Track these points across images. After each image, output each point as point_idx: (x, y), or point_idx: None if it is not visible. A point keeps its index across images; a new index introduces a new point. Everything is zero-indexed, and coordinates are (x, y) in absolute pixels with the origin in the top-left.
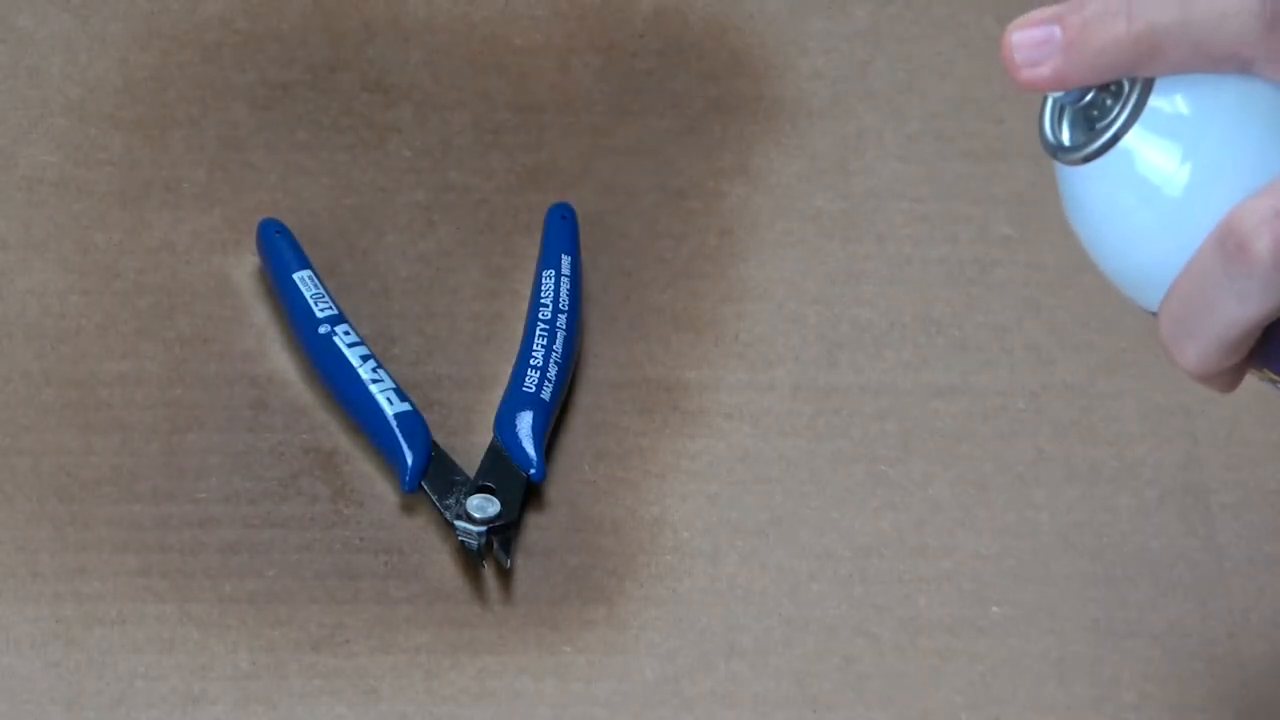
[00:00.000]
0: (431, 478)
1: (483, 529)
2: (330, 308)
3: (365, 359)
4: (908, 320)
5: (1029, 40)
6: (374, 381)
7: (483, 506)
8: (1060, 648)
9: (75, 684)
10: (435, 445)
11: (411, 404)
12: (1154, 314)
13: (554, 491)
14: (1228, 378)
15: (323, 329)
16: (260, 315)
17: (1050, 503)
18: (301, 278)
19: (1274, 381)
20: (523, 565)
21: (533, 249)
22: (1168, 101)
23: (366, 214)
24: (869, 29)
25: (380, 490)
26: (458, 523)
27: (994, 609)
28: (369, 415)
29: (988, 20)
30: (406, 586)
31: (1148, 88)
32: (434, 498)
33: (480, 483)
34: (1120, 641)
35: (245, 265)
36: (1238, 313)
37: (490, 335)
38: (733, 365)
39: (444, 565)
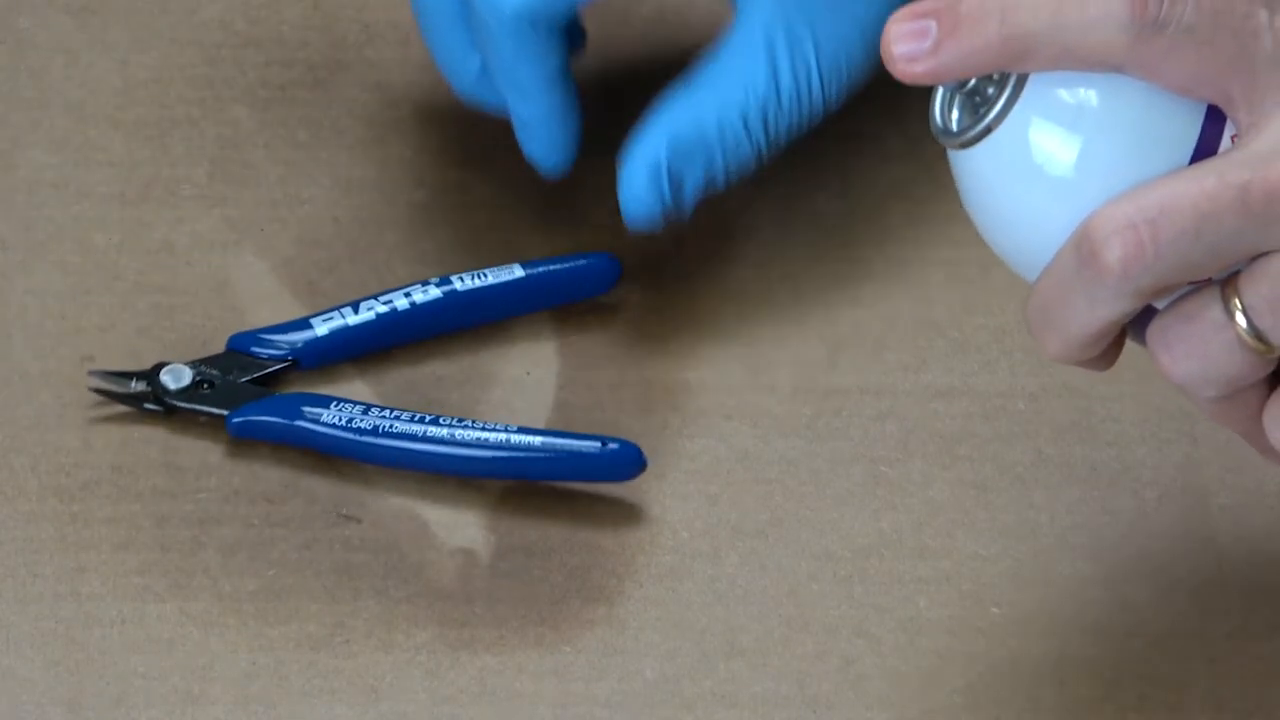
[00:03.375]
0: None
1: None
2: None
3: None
4: (907, 321)
5: (906, 33)
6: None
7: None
8: (1060, 648)
9: (75, 684)
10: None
11: None
12: None
13: (554, 491)
14: (1094, 363)
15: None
16: (260, 315)
17: (1050, 504)
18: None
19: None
20: (523, 565)
21: (532, 249)
22: (1043, 94)
23: (366, 214)
24: None
25: (380, 490)
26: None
27: (993, 610)
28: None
29: None
30: (406, 586)
31: (1023, 79)
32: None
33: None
34: (1120, 642)
35: (245, 265)
36: (1090, 315)
37: (490, 335)
38: (733, 365)
39: (444, 565)
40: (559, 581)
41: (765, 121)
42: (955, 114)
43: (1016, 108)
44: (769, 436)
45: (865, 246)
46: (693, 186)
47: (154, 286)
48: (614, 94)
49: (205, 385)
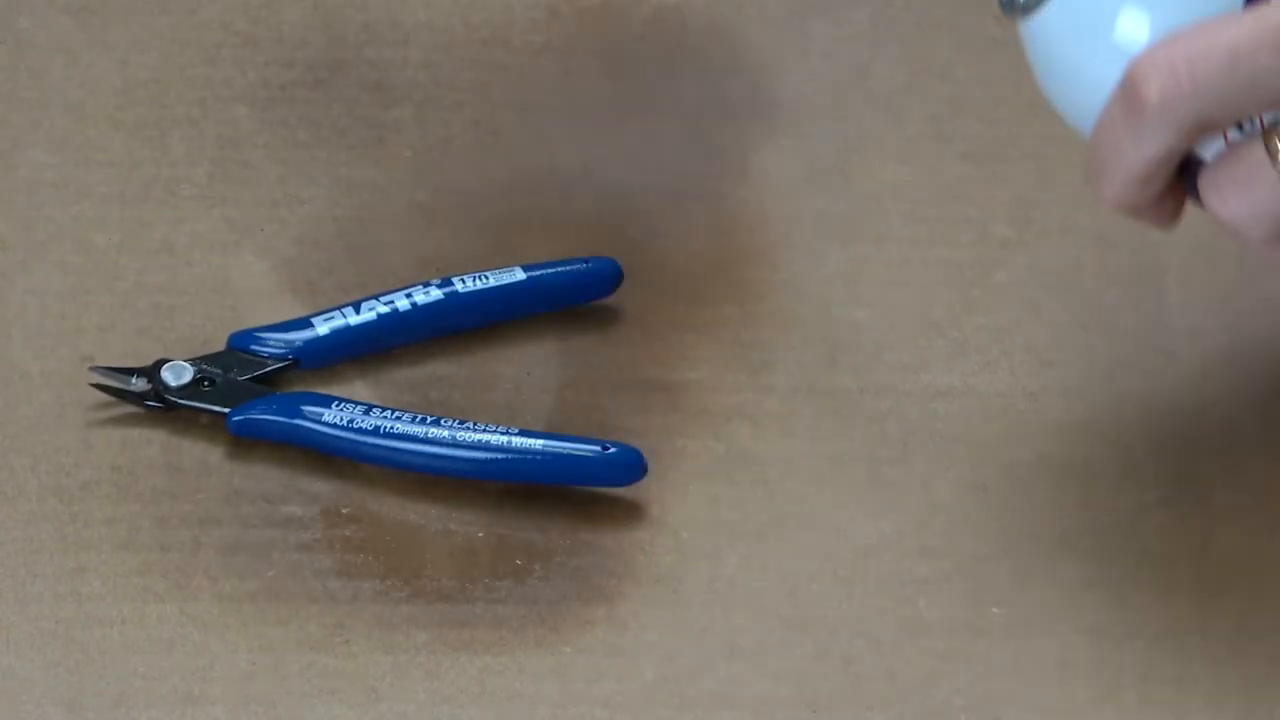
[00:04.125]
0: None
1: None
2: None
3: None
4: (907, 322)
5: None
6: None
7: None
8: (1060, 649)
9: (75, 684)
10: None
11: None
12: None
13: (554, 492)
14: (1156, 211)
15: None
16: (260, 315)
17: (1050, 504)
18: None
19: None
20: (523, 565)
21: (533, 250)
22: None
23: (366, 214)
24: (868, 31)
25: (381, 490)
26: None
27: (994, 610)
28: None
29: (988, 22)
30: (406, 586)
31: None
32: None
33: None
34: (1120, 643)
35: (245, 265)
36: (1136, 153)
37: (490, 336)
38: (733, 366)
39: (444, 565)
40: (559, 581)
41: None
42: None
43: None
44: (769, 437)
45: (865, 246)
46: None
47: (154, 286)
48: (614, 93)
49: (206, 383)
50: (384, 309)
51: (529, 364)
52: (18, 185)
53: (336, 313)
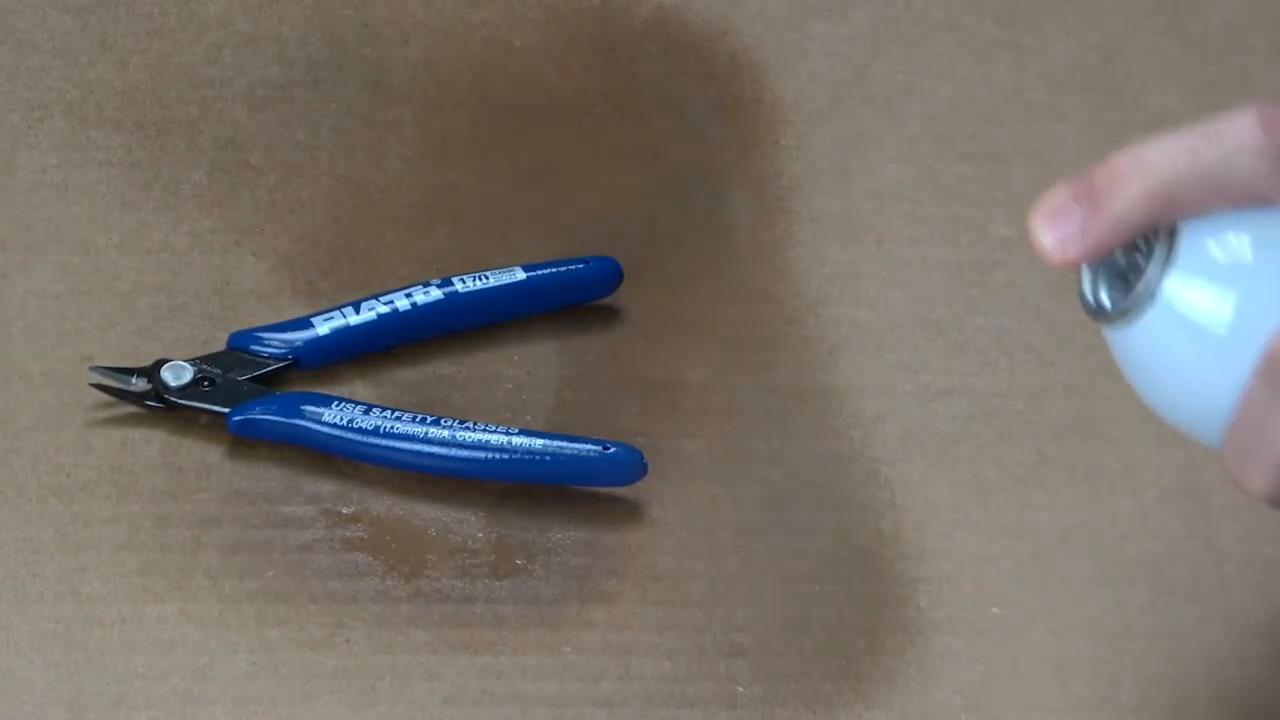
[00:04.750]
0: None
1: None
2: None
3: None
4: (907, 322)
5: (1050, 223)
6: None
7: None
8: (1060, 649)
9: (75, 684)
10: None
11: None
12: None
13: (554, 491)
14: None
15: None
16: (260, 315)
17: (1050, 504)
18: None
19: None
20: (523, 565)
21: (533, 250)
22: (1196, 246)
23: (366, 214)
24: (868, 31)
25: (381, 490)
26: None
27: (994, 610)
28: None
29: (987, 23)
30: (406, 586)
31: (1172, 236)
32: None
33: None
34: (1120, 642)
35: (245, 265)
36: None
37: (491, 336)
38: (733, 365)
39: (444, 565)
40: (559, 581)
41: None
42: (1105, 293)
43: (1172, 272)
44: (769, 436)
45: (865, 246)
46: None
47: (154, 286)
48: (615, 93)
49: (206, 383)
50: (384, 309)
51: (529, 364)
52: (18, 185)
53: (336, 313)
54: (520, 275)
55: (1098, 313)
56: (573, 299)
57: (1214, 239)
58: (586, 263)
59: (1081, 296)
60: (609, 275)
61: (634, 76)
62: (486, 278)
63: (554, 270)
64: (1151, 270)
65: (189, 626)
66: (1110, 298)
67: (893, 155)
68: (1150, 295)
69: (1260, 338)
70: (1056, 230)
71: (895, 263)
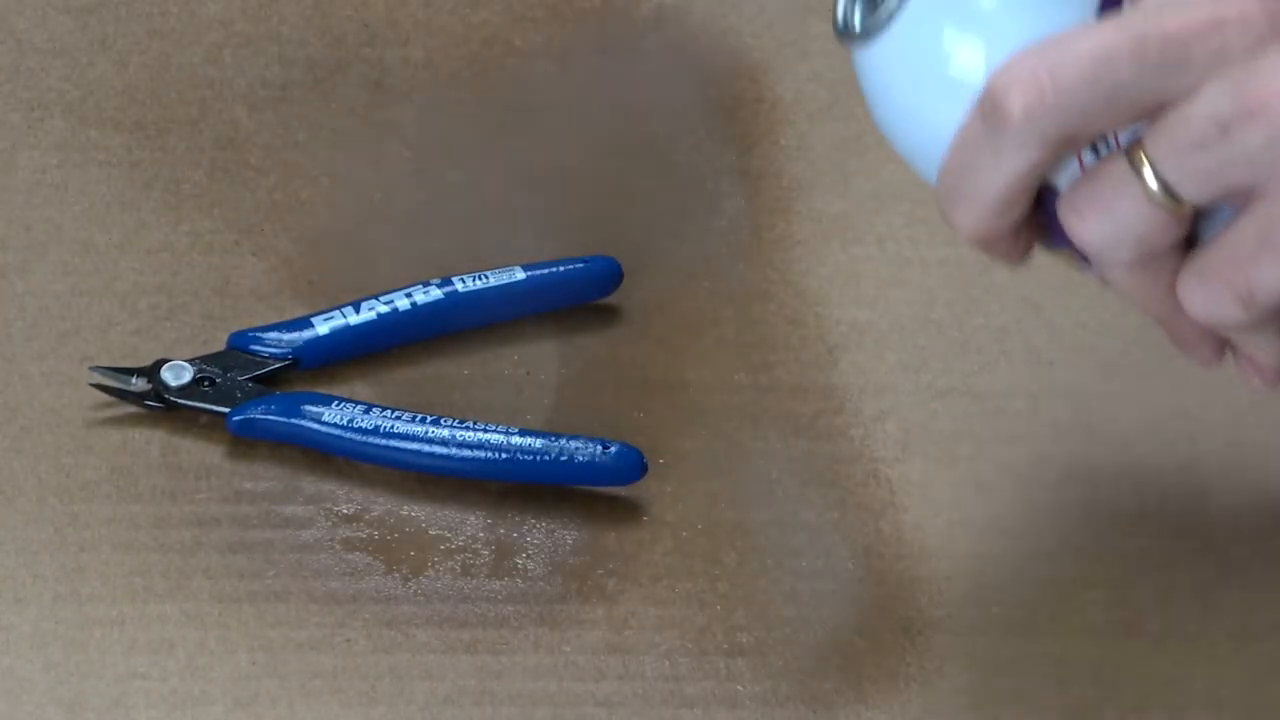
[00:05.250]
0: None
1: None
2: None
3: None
4: (907, 321)
5: None
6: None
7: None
8: (1060, 649)
9: (75, 684)
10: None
11: None
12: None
13: (554, 491)
14: (1007, 246)
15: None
16: (260, 315)
17: (1050, 504)
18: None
19: (1074, 265)
20: (523, 565)
21: (532, 250)
22: None
23: (366, 214)
24: None
25: (381, 490)
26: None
27: (994, 609)
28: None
29: None
30: (406, 586)
31: None
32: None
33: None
34: (1120, 642)
35: (245, 265)
36: (995, 171)
37: (490, 336)
38: (733, 365)
39: (444, 565)
40: (559, 581)
41: None
42: (857, 15)
43: (912, 2)
44: (769, 436)
45: (865, 246)
46: None
47: (154, 286)
48: (614, 93)
49: (206, 383)
50: (384, 309)
51: (529, 363)
52: (18, 186)
53: (336, 312)
54: (520, 275)
55: (843, 33)
56: (573, 299)
57: None
58: (586, 263)
59: (833, 17)
60: (609, 275)
61: (634, 76)
62: (486, 278)
63: (554, 270)
64: None
65: (189, 626)
66: (861, 18)
67: (893, 155)
68: (890, 17)
69: (980, 76)
70: None
71: (895, 263)
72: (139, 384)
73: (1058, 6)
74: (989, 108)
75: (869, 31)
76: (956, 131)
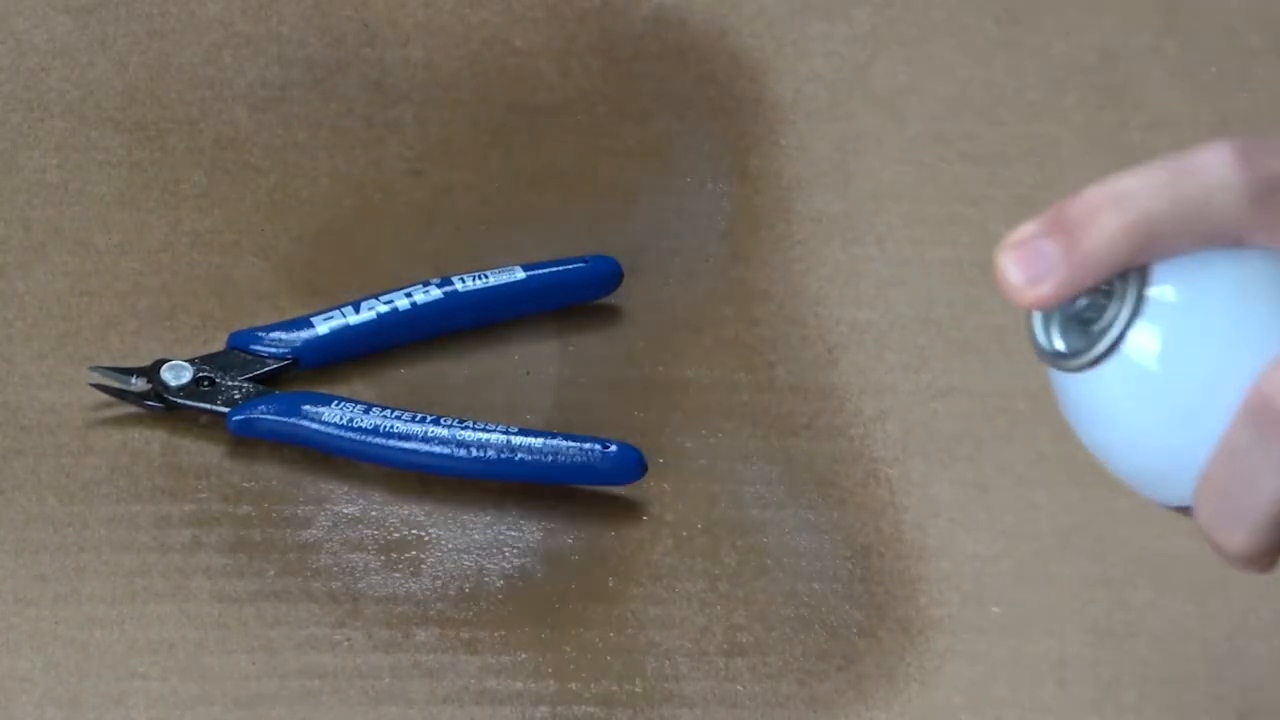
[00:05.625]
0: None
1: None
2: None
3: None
4: (907, 321)
5: (1020, 259)
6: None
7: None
8: (1060, 648)
9: (75, 684)
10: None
11: None
12: (1174, 508)
13: (554, 491)
14: (1274, 556)
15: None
16: (260, 315)
17: (1050, 504)
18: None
19: None
20: (523, 566)
21: (532, 250)
22: (1165, 291)
23: (366, 214)
24: (869, 31)
25: (381, 490)
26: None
27: (994, 609)
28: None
29: (987, 23)
30: (405, 586)
31: (1142, 280)
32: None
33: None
34: (1120, 642)
35: (245, 265)
36: (1277, 482)
37: (490, 335)
38: (733, 365)
39: (445, 565)
40: (559, 581)
41: None
42: (1059, 334)
43: (1140, 320)
44: (769, 436)
45: (865, 246)
46: None
47: (154, 287)
48: (615, 93)
49: (206, 383)
50: (384, 309)
51: (529, 363)
52: (18, 186)
53: (336, 312)
54: (520, 275)
55: (1054, 356)
56: (573, 299)
57: (1185, 284)
58: (586, 262)
59: (1032, 337)
60: (609, 275)
61: (634, 76)
62: (486, 277)
63: (554, 270)
64: (1119, 317)
65: (189, 626)
66: (1066, 342)
67: (893, 155)
68: (1115, 343)
69: (1232, 386)
70: (1027, 267)
71: (895, 262)
72: (139, 384)
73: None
74: (1268, 419)
75: (1087, 356)
76: (1219, 449)
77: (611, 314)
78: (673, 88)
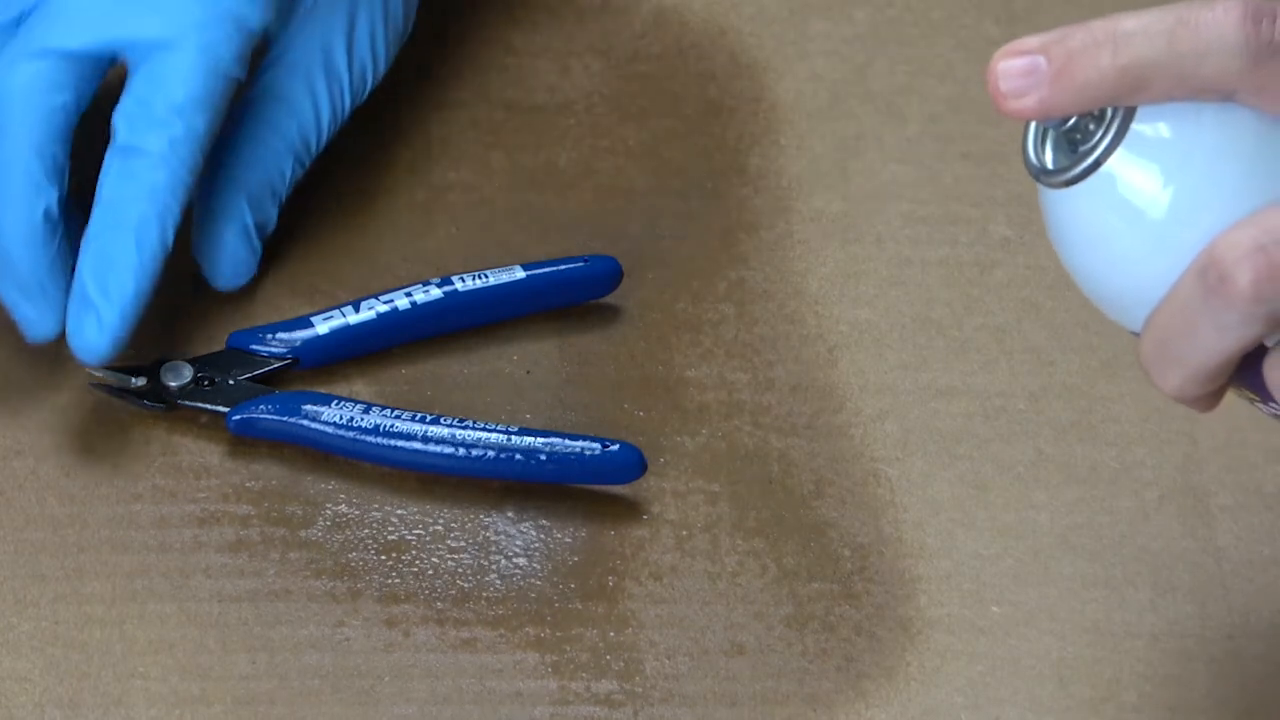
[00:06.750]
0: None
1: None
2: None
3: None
4: (907, 321)
5: (1015, 70)
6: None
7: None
8: (1060, 648)
9: (75, 684)
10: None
11: None
12: (1135, 334)
13: (554, 490)
14: (1207, 400)
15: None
16: (260, 315)
17: (1050, 503)
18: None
19: (1251, 399)
20: (523, 565)
21: (533, 249)
22: (1151, 127)
23: (366, 214)
24: (868, 31)
25: (381, 490)
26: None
27: (994, 609)
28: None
29: (987, 23)
30: (406, 586)
31: (1130, 113)
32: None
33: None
34: (1120, 642)
35: None
36: (1217, 343)
37: (490, 335)
38: (733, 365)
39: (445, 565)
40: (559, 581)
41: (312, 143)
42: (1049, 152)
43: (1124, 145)
44: (769, 436)
45: (865, 246)
46: (269, 227)
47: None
48: (615, 93)
49: (206, 383)
50: (384, 308)
51: (529, 362)
52: None
53: (336, 312)
54: (520, 274)
55: (1039, 171)
56: (573, 298)
57: (1170, 124)
58: (586, 262)
59: (1024, 150)
60: (609, 275)
61: (634, 76)
62: (486, 277)
63: (554, 269)
64: (1101, 141)
65: (189, 626)
66: (1054, 158)
67: (893, 155)
68: (1095, 165)
69: (1196, 234)
70: (1017, 79)
71: (895, 262)
72: (139, 384)
73: (1273, 143)
74: (1214, 279)
75: (1067, 174)
76: (1169, 293)
77: (611, 314)
78: (672, 88)
